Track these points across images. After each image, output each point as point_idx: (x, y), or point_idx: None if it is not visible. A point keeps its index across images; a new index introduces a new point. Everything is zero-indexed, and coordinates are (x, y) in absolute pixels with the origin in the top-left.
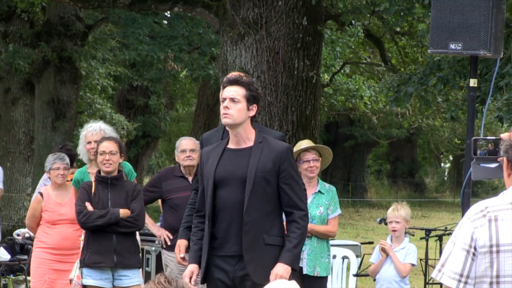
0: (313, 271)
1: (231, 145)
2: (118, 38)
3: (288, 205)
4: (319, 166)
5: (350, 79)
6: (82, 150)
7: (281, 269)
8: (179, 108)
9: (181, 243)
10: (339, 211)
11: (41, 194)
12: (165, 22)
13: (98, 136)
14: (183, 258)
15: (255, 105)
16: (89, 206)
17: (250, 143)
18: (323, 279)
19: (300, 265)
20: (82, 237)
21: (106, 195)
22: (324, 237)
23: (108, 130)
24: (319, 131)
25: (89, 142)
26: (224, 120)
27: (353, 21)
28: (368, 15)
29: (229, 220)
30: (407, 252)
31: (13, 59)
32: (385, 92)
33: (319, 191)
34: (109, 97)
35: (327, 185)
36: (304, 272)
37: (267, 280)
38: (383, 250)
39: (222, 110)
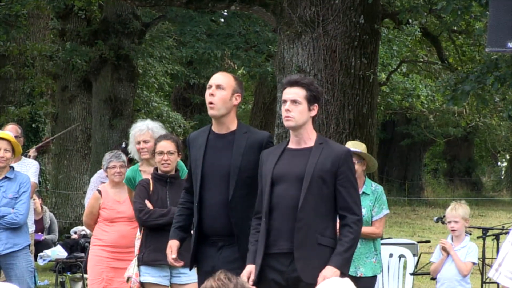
0: (356, 271)
1: (291, 145)
2: (175, 36)
3: (343, 208)
4: (358, 169)
5: (407, 78)
6: (132, 149)
7: (330, 271)
8: None
9: (173, 244)
10: (385, 212)
11: (99, 191)
12: (222, 20)
13: (146, 136)
14: (175, 259)
15: (316, 104)
16: (148, 204)
17: (311, 144)
18: (370, 279)
19: None
20: (139, 234)
21: (165, 194)
22: (368, 238)
23: (157, 128)
24: (376, 129)
25: (138, 143)
26: (286, 123)
27: (410, 20)
28: (425, 14)
29: (284, 217)
30: (468, 250)
31: (70, 57)
32: (442, 91)
33: (364, 192)
34: (166, 95)
35: (374, 185)
36: None
37: (316, 280)
38: (444, 249)
39: (283, 113)
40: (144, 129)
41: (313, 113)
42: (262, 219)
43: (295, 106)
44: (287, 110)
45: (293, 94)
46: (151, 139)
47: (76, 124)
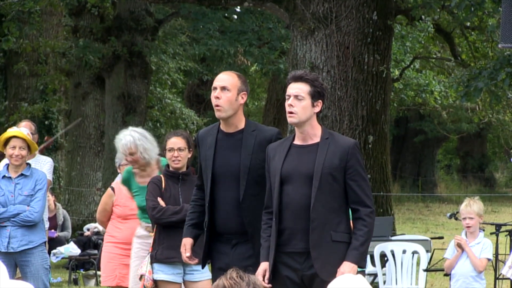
0: None
1: (297, 141)
2: (188, 32)
3: (355, 202)
4: None
5: (420, 74)
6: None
7: (348, 267)
8: (249, 103)
9: (187, 242)
10: None
11: (112, 188)
12: (235, 17)
13: (131, 150)
14: (190, 257)
15: (320, 100)
16: (161, 202)
17: (317, 139)
18: None
19: None
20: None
21: (177, 191)
22: None
23: (141, 144)
24: (389, 126)
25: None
26: (289, 120)
27: (423, 16)
28: (438, 10)
29: (296, 216)
30: (483, 247)
31: (83, 53)
32: (455, 87)
33: None
34: (179, 92)
35: None
36: None
37: (334, 277)
38: (458, 245)
39: (287, 108)
40: (127, 147)
41: (317, 109)
42: (272, 218)
43: (298, 102)
44: (290, 106)
45: (297, 89)
46: (136, 151)
47: (79, 119)
